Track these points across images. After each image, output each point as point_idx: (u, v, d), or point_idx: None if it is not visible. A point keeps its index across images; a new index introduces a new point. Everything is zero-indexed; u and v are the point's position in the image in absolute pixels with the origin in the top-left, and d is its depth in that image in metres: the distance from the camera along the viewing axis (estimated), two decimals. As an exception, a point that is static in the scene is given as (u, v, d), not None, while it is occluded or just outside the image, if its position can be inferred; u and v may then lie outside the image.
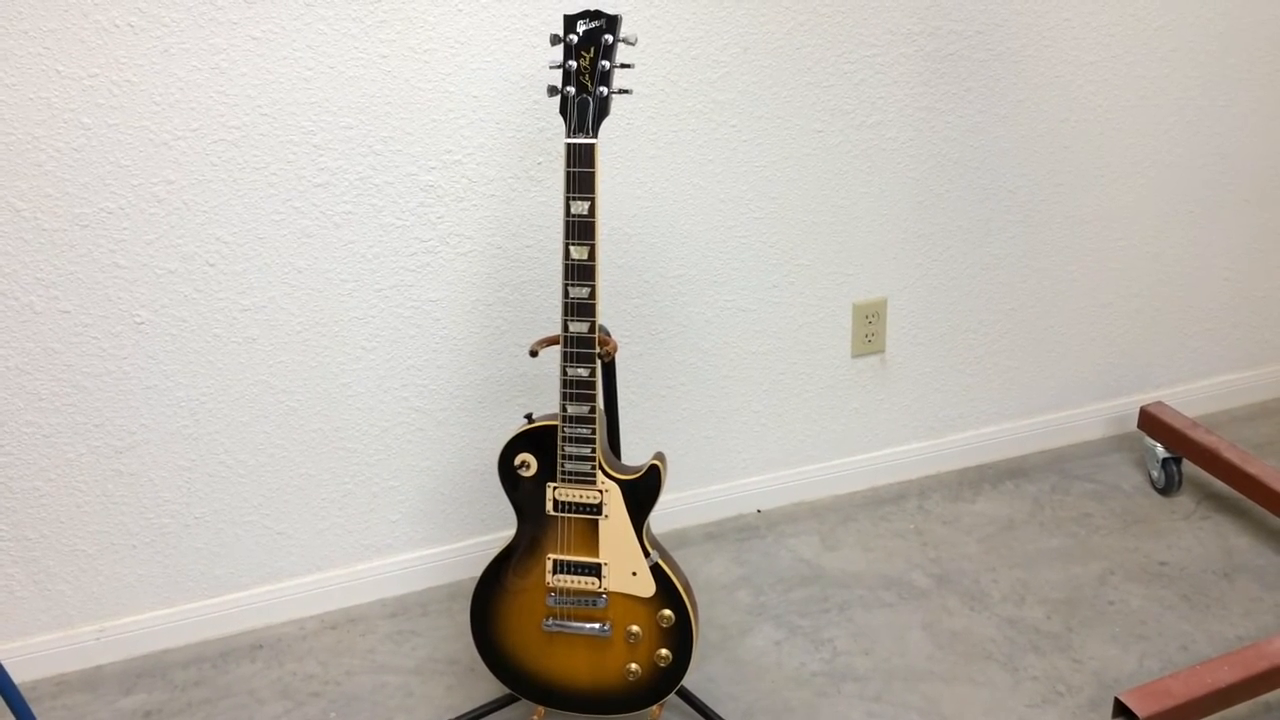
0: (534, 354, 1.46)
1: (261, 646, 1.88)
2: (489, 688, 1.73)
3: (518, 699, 1.64)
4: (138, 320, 1.68)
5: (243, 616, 1.91)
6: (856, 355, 2.13)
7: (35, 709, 1.74)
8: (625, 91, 1.39)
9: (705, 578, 2.00)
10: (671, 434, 2.07)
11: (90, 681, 1.81)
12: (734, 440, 2.12)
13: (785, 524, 2.14)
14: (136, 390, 1.72)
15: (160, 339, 1.70)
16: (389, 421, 1.88)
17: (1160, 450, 2.17)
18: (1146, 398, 2.38)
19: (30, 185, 1.56)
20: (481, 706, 1.67)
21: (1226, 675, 1.52)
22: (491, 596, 1.55)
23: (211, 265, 1.68)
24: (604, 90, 1.35)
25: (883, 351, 2.15)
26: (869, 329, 2.11)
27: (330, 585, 1.95)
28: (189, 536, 1.84)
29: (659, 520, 2.11)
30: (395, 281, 1.78)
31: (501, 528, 2.03)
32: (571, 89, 1.36)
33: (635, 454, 2.02)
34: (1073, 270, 2.22)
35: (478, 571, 1.55)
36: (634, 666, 1.52)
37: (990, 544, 2.06)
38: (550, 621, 1.52)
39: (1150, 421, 2.21)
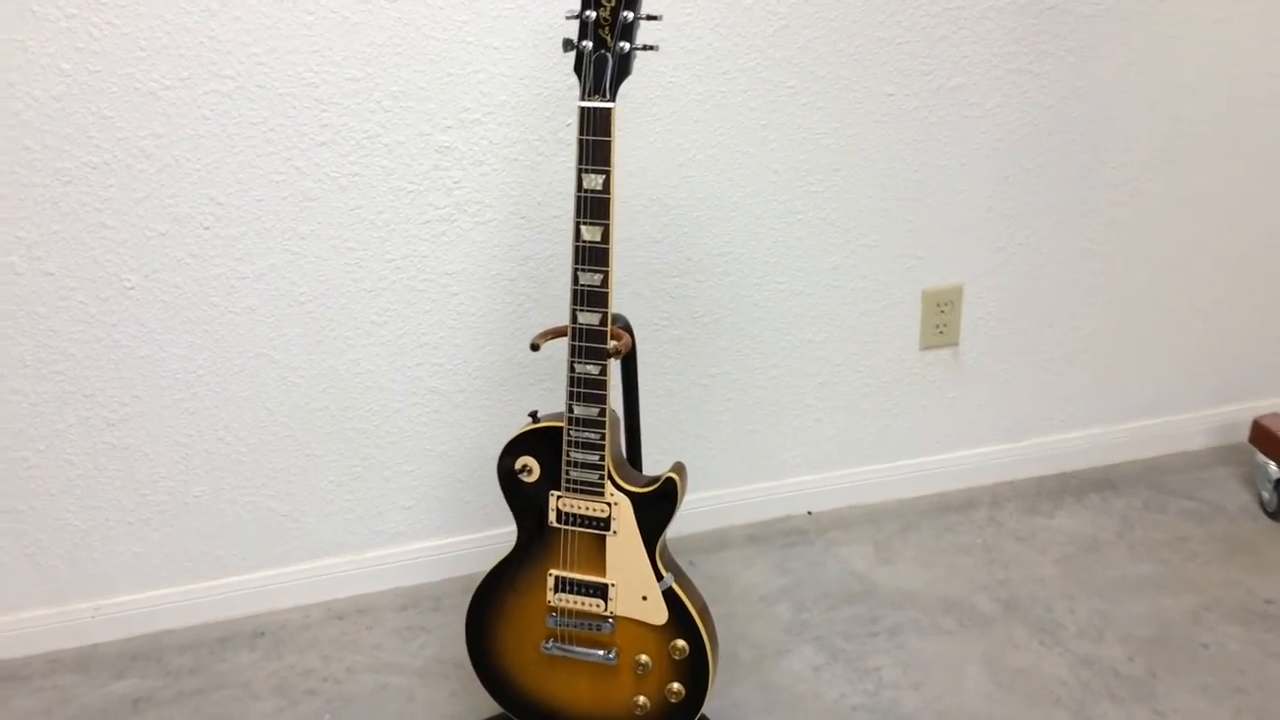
0: (535, 348, 1.30)
1: (263, 633, 1.80)
2: (493, 700, 1.61)
3: None
4: (127, 285, 1.59)
5: (246, 600, 1.84)
6: (925, 348, 2.02)
7: (25, 687, 1.69)
8: (650, 48, 1.24)
9: (742, 586, 1.87)
10: (713, 426, 1.96)
11: (84, 661, 1.75)
12: (784, 435, 2.01)
13: (837, 530, 2.01)
14: (128, 360, 1.64)
15: (152, 306, 1.62)
16: (402, 402, 1.78)
17: (1274, 469, 2.02)
18: (1261, 407, 2.23)
19: (6, 136, 1.48)
20: (480, 723, 1.55)
21: (1339, 755, 1.32)
22: (489, 610, 1.43)
23: (206, 228, 1.59)
24: (625, 46, 1.20)
25: (956, 344, 2.03)
26: (941, 319, 2.00)
27: (338, 572, 1.87)
28: (188, 515, 1.77)
29: (696, 518, 2.00)
30: (408, 251, 1.68)
31: (523, 520, 1.93)
32: (588, 43, 1.21)
33: (669, 447, 1.91)
34: (1181, 259, 2.09)
35: (495, 566, 1.45)
36: (642, 699, 1.38)
37: (1068, 566, 1.90)
38: (550, 644, 1.39)
39: (1264, 435, 2.06)
